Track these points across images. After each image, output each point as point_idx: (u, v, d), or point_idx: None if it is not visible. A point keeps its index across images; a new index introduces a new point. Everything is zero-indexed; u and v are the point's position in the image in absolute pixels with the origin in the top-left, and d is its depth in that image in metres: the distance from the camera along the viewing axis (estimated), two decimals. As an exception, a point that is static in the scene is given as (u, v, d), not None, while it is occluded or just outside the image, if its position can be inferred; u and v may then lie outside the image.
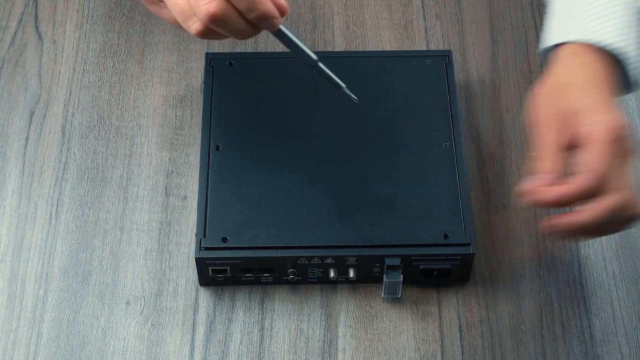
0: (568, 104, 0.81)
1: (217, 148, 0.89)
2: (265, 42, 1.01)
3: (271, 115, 0.91)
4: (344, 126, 0.91)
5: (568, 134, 0.80)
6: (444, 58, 0.95)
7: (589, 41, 0.81)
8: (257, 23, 0.76)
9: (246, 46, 1.01)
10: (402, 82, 0.93)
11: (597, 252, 0.89)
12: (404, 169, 0.88)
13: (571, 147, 0.80)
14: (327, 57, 0.95)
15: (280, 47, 1.00)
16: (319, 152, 0.89)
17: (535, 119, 0.82)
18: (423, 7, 1.04)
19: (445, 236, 0.85)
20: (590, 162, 0.77)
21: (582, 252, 0.89)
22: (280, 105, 0.92)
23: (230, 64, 0.94)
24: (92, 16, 1.03)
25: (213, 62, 0.94)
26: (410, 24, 1.03)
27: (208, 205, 0.86)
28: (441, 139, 0.90)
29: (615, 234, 0.90)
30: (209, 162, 0.88)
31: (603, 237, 0.90)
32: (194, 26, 0.75)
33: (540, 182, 0.79)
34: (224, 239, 0.84)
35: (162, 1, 0.77)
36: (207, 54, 0.95)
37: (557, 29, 0.85)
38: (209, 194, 0.87)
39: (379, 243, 0.84)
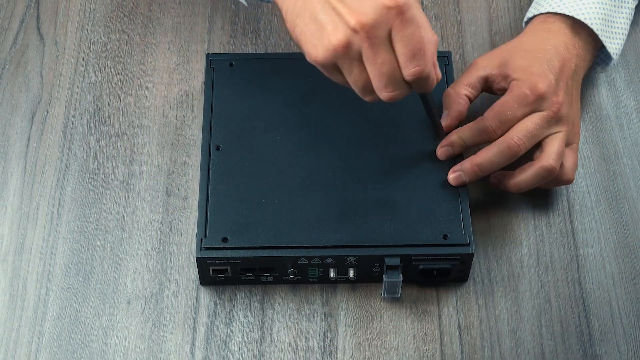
0: (509, 58, 0.89)
1: (218, 148, 0.89)
2: (266, 43, 1.01)
3: (271, 115, 0.91)
4: (343, 126, 0.91)
5: (493, 71, 0.89)
6: (443, 59, 0.95)
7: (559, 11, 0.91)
8: (419, 91, 0.82)
9: (247, 47, 1.01)
10: (402, 82, 0.93)
11: (596, 251, 0.90)
12: (403, 169, 0.88)
13: (489, 85, 0.89)
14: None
15: (280, 48, 1.01)
16: (319, 152, 0.89)
17: (474, 62, 0.91)
18: (422, 8, 1.04)
19: (445, 236, 0.85)
20: (494, 105, 0.87)
21: (581, 251, 0.90)
22: (281, 106, 0.92)
23: (231, 65, 0.94)
24: (93, 17, 1.03)
25: (214, 62, 0.94)
26: (409, 25, 1.03)
27: (209, 205, 0.86)
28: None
29: (615, 235, 0.90)
30: (209, 162, 0.89)
31: (601, 237, 0.90)
32: (369, 98, 0.81)
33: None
34: (225, 239, 0.84)
35: (340, 72, 0.80)
36: (207, 54, 0.95)
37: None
38: (209, 194, 0.87)
39: (378, 243, 0.84)
